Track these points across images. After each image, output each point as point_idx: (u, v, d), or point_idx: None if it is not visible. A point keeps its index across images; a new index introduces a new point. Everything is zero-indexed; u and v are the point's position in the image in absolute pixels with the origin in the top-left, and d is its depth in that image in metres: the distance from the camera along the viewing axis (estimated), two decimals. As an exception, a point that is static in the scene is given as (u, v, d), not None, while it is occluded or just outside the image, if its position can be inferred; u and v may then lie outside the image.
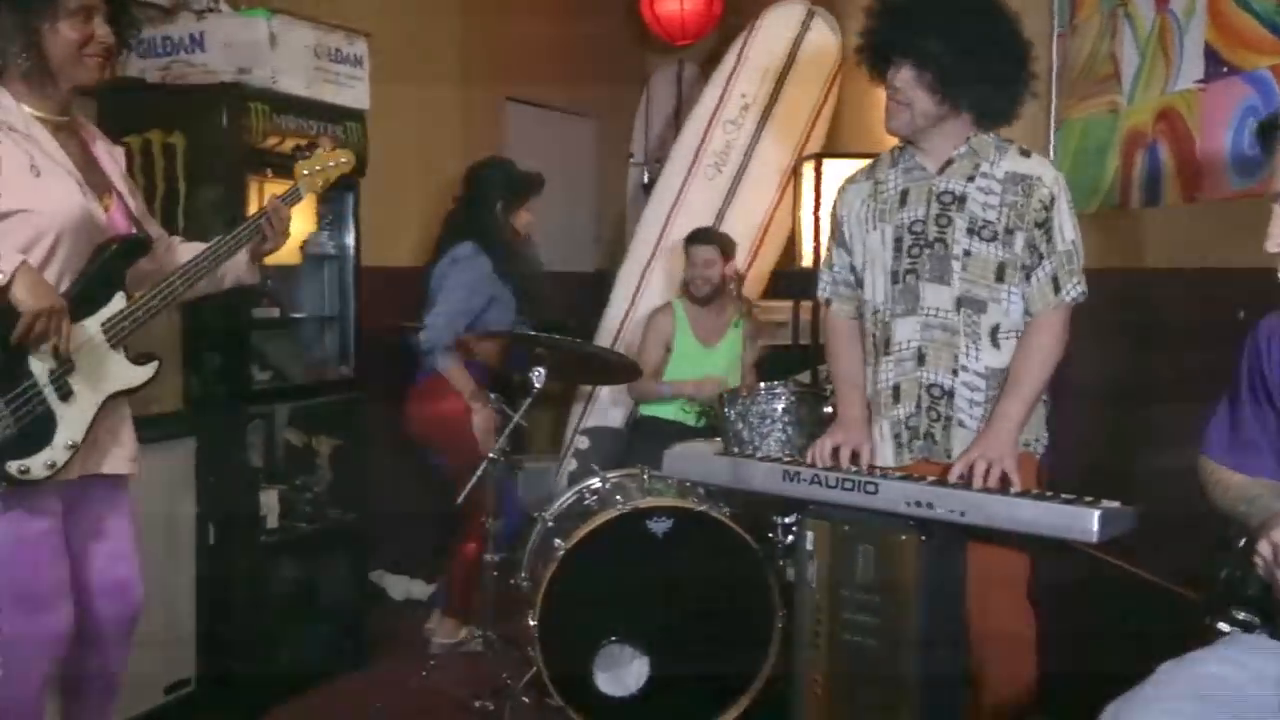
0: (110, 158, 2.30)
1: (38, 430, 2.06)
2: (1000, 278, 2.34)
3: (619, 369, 3.71)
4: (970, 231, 2.34)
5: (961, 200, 2.36)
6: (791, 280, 4.54)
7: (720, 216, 4.64)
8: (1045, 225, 2.32)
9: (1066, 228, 2.33)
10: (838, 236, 2.58)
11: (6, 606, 2.08)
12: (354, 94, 3.46)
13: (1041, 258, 2.33)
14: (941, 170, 2.39)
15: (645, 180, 5.72)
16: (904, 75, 2.33)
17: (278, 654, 3.26)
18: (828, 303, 2.64)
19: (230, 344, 3.21)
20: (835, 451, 2.46)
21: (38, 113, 2.13)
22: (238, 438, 3.26)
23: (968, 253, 2.34)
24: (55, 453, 2.07)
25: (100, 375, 2.14)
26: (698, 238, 4.08)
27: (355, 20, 3.56)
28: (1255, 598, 1.71)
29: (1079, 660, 2.48)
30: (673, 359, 4.03)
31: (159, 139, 3.14)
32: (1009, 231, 2.33)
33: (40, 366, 2.05)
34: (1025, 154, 2.39)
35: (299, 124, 3.29)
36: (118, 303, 2.16)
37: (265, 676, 3.20)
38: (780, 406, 3.21)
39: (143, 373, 2.22)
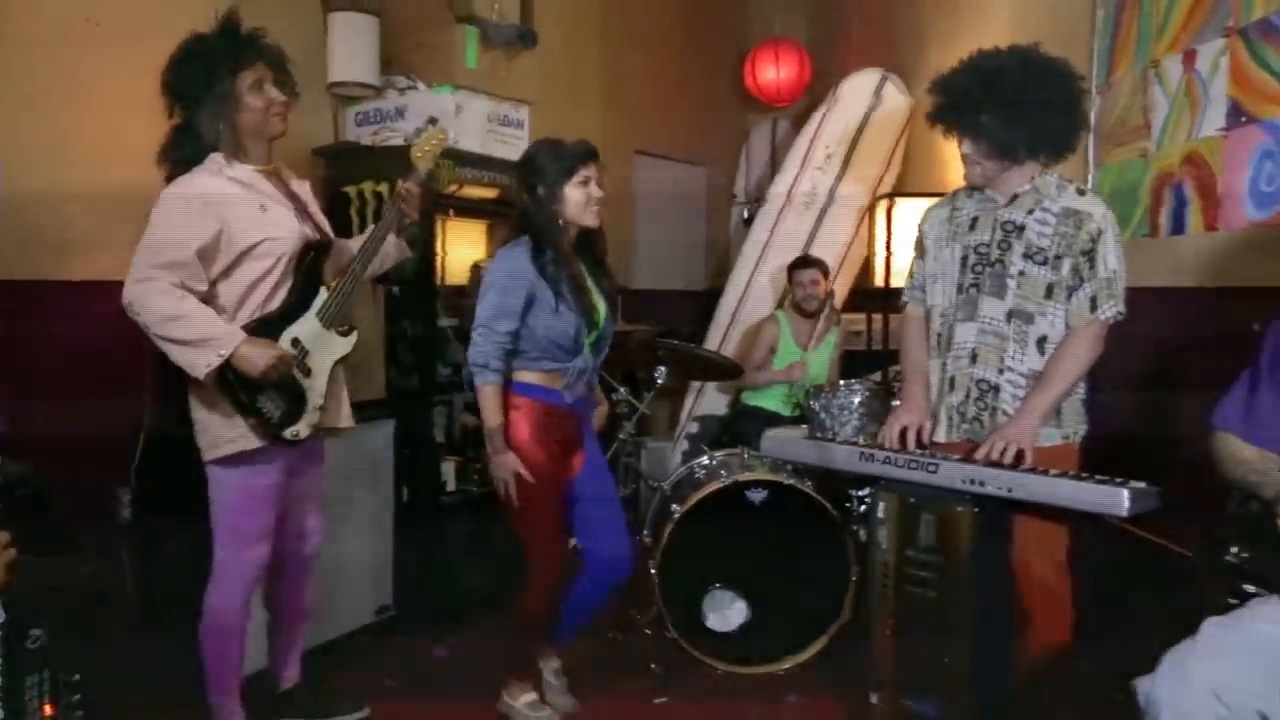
0: (303, 189, 2.39)
1: (297, 402, 2.25)
2: (1048, 295, 2.29)
3: (724, 368, 3.74)
4: (1026, 256, 2.29)
5: (1021, 229, 2.31)
6: (866, 297, 4.50)
7: (808, 245, 4.62)
8: (1090, 254, 2.24)
9: (1109, 258, 2.25)
10: (919, 250, 2.55)
11: (227, 540, 2.24)
12: (517, 150, 3.54)
13: (1083, 281, 2.25)
14: (1009, 203, 2.34)
15: (745, 216, 5.72)
16: (967, 145, 2.31)
17: (455, 588, 3.36)
18: (904, 305, 2.59)
19: (421, 347, 3.34)
20: (903, 432, 2.44)
21: (251, 165, 2.24)
22: (426, 420, 3.39)
23: (1022, 273, 2.30)
24: (310, 416, 2.27)
25: (325, 351, 2.30)
26: (805, 263, 4.05)
27: (520, 92, 3.67)
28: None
29: (1109, 615, 2.41)
30: (776, 360, 4.05)
31: (370, 188, 3.29)
32: (1058, 257, 2.27)
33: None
34: (1081, 193, 2.31)
35: (475, 174, 3.41)
36: (321, 295, 2.29)
37: (447, 605, 3.32)
38: (856, 400, 3.21)
39: (350, 341, 2.36)
